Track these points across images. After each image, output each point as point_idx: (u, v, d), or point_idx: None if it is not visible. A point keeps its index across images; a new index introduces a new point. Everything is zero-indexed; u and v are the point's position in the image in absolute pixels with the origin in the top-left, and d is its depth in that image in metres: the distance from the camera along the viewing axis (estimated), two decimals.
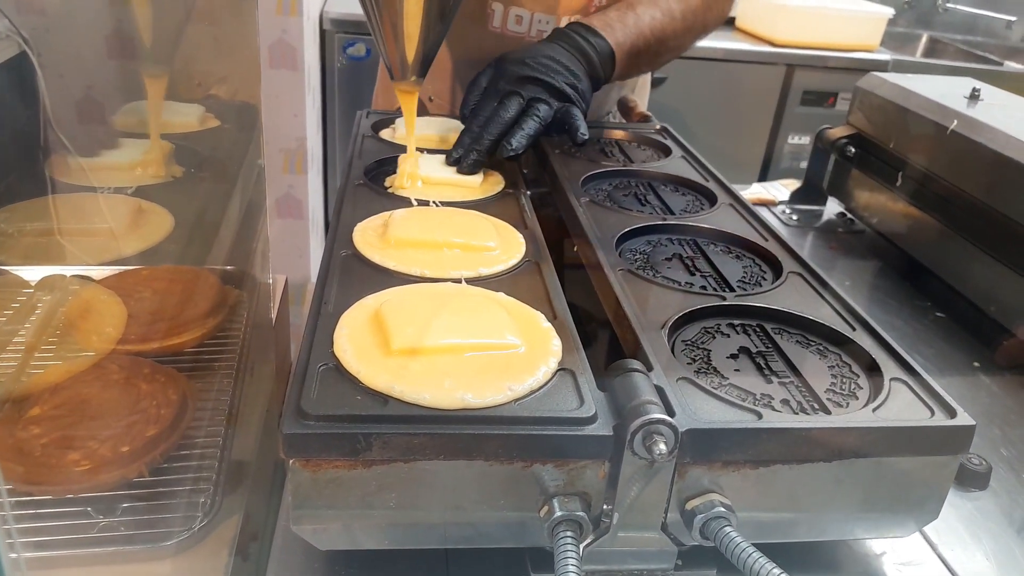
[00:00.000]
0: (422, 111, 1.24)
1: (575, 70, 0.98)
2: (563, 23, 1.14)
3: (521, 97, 0.94)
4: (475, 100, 0.98)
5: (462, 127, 1.03)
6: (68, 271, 0.82)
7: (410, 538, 0.55)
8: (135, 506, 0.60)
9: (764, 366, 0.62)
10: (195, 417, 0.69)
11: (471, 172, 0.91)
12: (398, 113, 1.11)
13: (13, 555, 0.33)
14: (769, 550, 0.50)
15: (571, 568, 0.49)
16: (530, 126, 0.92)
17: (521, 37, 1.18)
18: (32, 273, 0.82)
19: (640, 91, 1.40)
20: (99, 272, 0.83)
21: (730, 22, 2.83)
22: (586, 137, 0.94)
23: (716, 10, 1.17)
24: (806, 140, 2.66)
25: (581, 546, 0.52)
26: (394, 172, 0.91)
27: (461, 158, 0.91)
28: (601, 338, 0.73)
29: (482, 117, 0.94)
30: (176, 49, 0.88)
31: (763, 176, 2.73)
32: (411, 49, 0.80)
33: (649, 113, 1.25)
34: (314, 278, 0.68)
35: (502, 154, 0.91)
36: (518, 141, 0.91)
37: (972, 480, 0.73)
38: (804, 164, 1.48)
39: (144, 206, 0.86)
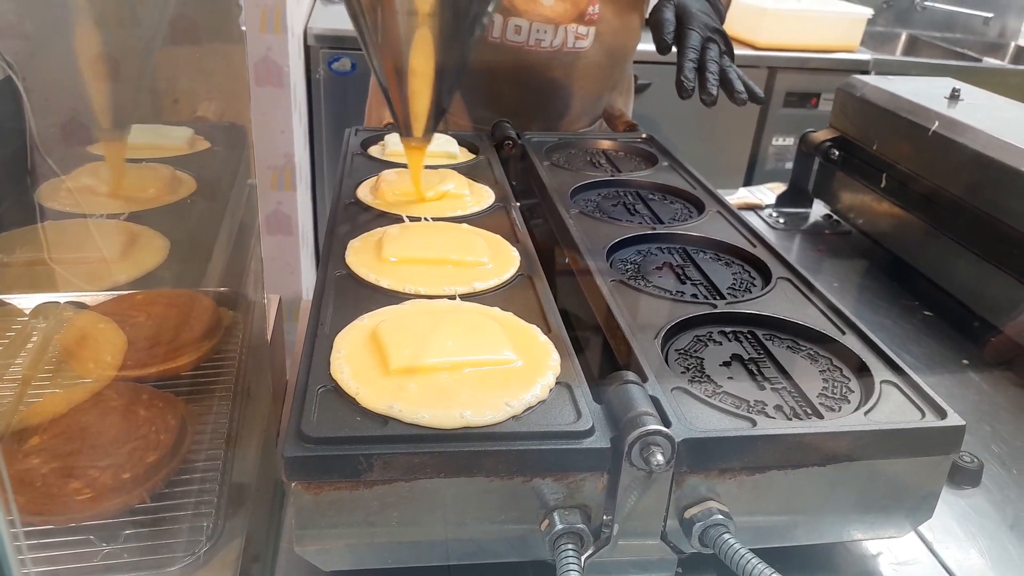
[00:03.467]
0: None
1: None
2: (559, 33, 1.17)
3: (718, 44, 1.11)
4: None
5: (453, 141, 1.05)
6: (62, 298, 0.82)
7: (413, 556, 0.56)
8: (138, 533, 0.60)
9: (757, 372, 0.63)
10: (194, 441, 0.69)
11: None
12: (386, 130, 1.12)
13: None
14: (767, 554, 0.51)
15: None
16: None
17: (520, 47, 1.19)
18: (26, 301, 0.82)
19: (625, 98, 1.41)
20: (93, 298, 0.83)
21: None
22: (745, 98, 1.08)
23: None
24: (790, 141, 2.68)
25: (582, 558, 0.52)
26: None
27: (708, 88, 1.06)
28: (595, 345, 0.73)
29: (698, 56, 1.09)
30: (135, 115, 0.88)
31: (749, 177, 2.75)
32: (419, 107, 0.79)
33: (635, 122, 1.26)
34: (306, 294, 0.69)
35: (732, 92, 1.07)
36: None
37: (965, 478, 0.74)
38: (789, 165, 1.49)
39: (137, 231, 0.86)
